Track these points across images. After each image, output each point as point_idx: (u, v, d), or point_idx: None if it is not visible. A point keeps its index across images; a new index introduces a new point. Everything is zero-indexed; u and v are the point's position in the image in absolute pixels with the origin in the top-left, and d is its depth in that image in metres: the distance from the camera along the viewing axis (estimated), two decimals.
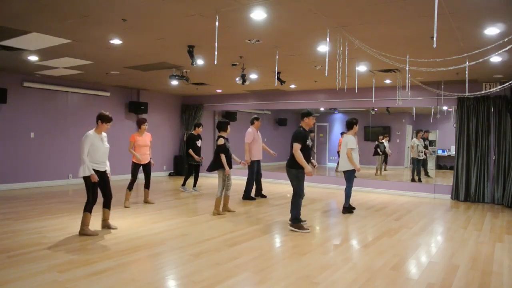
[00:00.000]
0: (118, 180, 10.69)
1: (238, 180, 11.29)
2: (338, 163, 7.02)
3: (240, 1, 3.97)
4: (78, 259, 4.01)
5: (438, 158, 11.60)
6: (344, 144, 6.73)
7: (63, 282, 3.40)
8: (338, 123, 14.36)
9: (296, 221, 5.48)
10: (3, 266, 3.76)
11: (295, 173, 5.47)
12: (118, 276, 3.57)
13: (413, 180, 9.89)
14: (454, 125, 8.75)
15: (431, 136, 11.71)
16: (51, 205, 6.87)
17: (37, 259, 3.99)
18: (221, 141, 6.31)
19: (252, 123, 8.10)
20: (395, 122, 12.31)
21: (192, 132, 8.87)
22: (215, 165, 6.35)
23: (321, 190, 9.48)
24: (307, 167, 5.41)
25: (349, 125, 6.79)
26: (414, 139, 10.17)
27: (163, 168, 12.26)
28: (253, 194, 8.15)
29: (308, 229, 5.44)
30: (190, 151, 8.57)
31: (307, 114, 5.60)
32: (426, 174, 10.50)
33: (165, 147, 12.11)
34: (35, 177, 9.09)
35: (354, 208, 6.94)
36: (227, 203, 6.61)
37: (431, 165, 11.24)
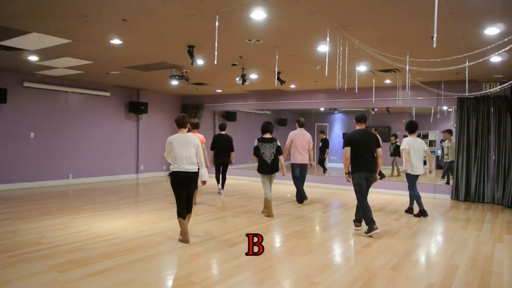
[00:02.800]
0: (119, 180, 10.70)
1: (239, 180, 11.31)
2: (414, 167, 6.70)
3: (240, 1, 3.97)
4: (78, 259, 4.02)
5: (438, 158, 11.59)
6: (422, 147, 6.68)
7: (63, 282, 3.40)
8: (338, 123, 14.35)
9: (372, 223, 5.29)
10: (3, 266, 3.76)
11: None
12: (118, 276, 3.57)
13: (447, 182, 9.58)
14: (454, 125, 8.74)
15: (431, 136, 11.71)
16: (51, 205, 6.87)
17: (37, 259, 3.99)
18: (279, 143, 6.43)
19: (304, 124, 7.79)
20: (395, 122, 12.31)
21: (225, 132, 8.49)
22: (277, 167, 6.40)
23: (322, 190, 9.49)
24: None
25: (416, 127, 6.75)
26: (446, 141, 9.75)
27: (163, 168, 12.26)
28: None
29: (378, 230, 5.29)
30: (233, 153, 8.42)
31: None
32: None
33: (164, 147, 12.09)
34: (35, 177, 9.09)
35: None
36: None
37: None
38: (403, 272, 3.91)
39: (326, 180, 10.44)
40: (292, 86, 9.94)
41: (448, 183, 9.45)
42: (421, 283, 3.57)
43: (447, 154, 9.63)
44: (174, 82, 8.35)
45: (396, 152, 11.09)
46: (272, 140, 6.39)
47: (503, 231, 5.69)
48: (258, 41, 5.49)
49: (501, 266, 4.12)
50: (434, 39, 3.40)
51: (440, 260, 4.29)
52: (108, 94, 10.53)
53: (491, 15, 4.14)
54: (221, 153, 8.31)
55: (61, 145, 9.58)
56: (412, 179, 6.72)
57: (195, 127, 6.77)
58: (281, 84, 7.98)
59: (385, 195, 8.96)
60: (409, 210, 6.92)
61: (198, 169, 4.87)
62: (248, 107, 12.23)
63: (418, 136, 10.31)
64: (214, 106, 12.49)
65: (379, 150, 5.46)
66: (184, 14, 4.41)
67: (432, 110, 10.06)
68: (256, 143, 6.41)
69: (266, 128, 6.45)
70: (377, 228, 5.20)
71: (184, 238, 4.73)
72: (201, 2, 4.04)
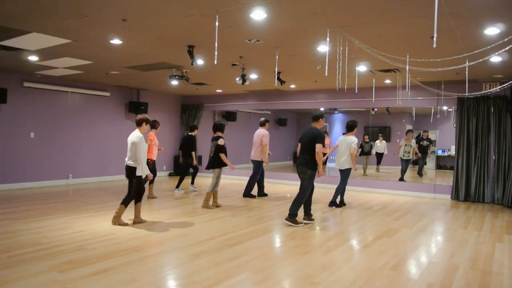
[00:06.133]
0: (119, 180, 10.70)
1: (238, 180, 11.31)
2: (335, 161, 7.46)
3: (240, 1, 3.97)
4: (78, 259, 4.01)
5: (438, 158, 11.60)
6: (347, 144, 7.16)
7: (63, 282, 3.40)
8: (338, 123, 14.35)
9: (293, 216, 5.72)
10: (3, 266, 3.76)
11: (311, 174, 5.71)
12: (118, 276, 3.57)
13: (400, 179, 10.01)
14: (454, 125, 8.75)
15: (431, 136, 11.70)
16: (51, 205, 6.87)
17: (37, 259, 3.99)
18: (222, 141, 6.79)
19: (264, 124, 8.29)
20: (395, 122, 12.31)
21: (192, 133, 8.92)
22: (215, 164, 6.79)
23: (321, 190, 9.48)
24: (321, 169, 5.73)
25: (352, 127, 7.26)
26: (403, 139, 10.26)
27: (163, 168, 12.26)
28: (254, 193, 8.33)
29: (301, 223, 5.78)
30: (193, 153, 8.74)
31: (322, 116, 5.95)
32: (419, 173, 10.54)
33: (165, 147, 12.08)
34: (35, 177, 9.09)
35: (345, 204, 7.49)
36: (217, 198, 7.09)
37: (431, 165, 11.24)
38: (403, 272, 3.91)
39: (325, 180, 10.43)
40: (292, 86, 9.94)
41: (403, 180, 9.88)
42: (421, 283, 3.57)
43: (408, 152, 9.99)
44: (174, 82, 8.35)
45: (365, 151, 11.45)
46: (216, 138, 6.89)
47: (503, 231, 5.69)
48: (258, 41, 5.49)
49: (501, 266, 4.12)
50: (434, 39, 3.40)
51: (440, 260, 4.29)
52: (108, 94, 10.53)
53: (491, 15, 4.14)
54: (184, 154, 8.74)
55: (61, 145, 9.58)
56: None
57: (152, 126, 7.51)
58: (281, 84, 7.98)
59: (385, 195, 8.96)
60: (340, 203, 7.39)
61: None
62: (248, 107, 12.24)
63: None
64: (214, 106, 12.49)
65: (317, 146, 5.63)
66: (184, 14, 4.41)
67: (432, 110, 10.07)
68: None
69: (215, 127, 7.01)
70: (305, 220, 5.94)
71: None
72: (201, 2, 4.04)
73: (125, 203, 5.49)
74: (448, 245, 4.94)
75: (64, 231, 5.13)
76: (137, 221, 5.61)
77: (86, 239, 4.75)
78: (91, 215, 6.11)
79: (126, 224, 5.49)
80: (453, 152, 9.96)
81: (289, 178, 10.80)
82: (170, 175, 12.37)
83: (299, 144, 5.99)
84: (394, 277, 3.73)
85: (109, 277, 3.53)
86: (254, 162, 8.18)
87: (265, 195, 8.41)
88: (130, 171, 5.40)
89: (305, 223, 5.84)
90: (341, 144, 7.28)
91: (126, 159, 5.45)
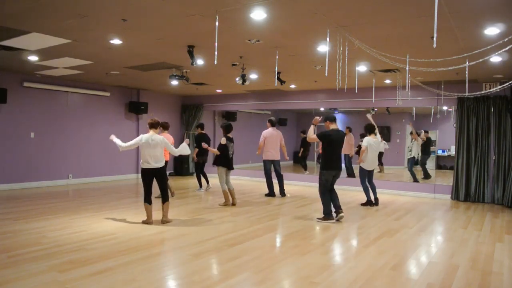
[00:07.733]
0: (119, 180, 10.70)
1: (239, 180, 11.30)
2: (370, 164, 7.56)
3: (240, 1, 3.97)
4: (78, 259, 4.02)
5: (438, 158, 11.60)
6: (377, 146, 7.46)
7: (63, 282, 3.40)
8: (338, 123, 14.33)
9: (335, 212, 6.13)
10: (3, 266, 3.76)
11: None
12: (118, 276, 3.57)
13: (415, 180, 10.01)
14: (454, 125, 8.75)
15: (431, 136, 11.72)
16: (51, 205, 6.87)
17: (37, 259, 3.99)
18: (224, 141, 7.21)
19: (275, 124, 8.53)
20: (395, 122, 12.31)
21: (203, 132, 8.92)
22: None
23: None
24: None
25: (373, 129, 7.50)
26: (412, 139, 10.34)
27: None
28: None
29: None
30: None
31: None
32: (426, 177, 10.51)
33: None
34: (35, 177, 9.09)
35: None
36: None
37: (431, 165, 11.24)
38: (403, 272, 3.91)
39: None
40: (292, 86, 9.94)
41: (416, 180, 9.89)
42: (421, 283, 3.57)
43: (410, 151, 10.15)
44: (174, 82, 8.35)
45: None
46: (233, 139, 7.25)
47: (503, 231, 5.69)
48: (258, 41, 5.49)
49: (501, 266, 4.12)
50: (434, 39, 3.40)
51: (440, 260, 4.29)
52: (108, 94, 10.53)
53: (491, 15, 4.14)
54: (202, 151, 8.65)
55: (61, 145, 9.58)
56: (365, 173, 7.54)
57: (165, 128, 7.66)
58: (281, 84, 7.98)
59: (385, 195, 8.96)
60: (368, 203, 7.50)
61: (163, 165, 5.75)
62: (248, 107, 12.24)
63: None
64: (214, 106, 12.49)
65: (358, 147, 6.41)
66: (184, 14, 4.41)
67: (432, 110, 10.07)
68: (224, 141, 7.10)
69: (232, 128, 7.29)
70: (333, 219, 6.05)
71: (147, 220, 5.61)
72: (201, 2, 4.04)
73: (166, 200, 5.70)
74: (448, 245, 4.94)
75: (64, 231, 5.13)
76: (147, 222, 5.66)
77: (86, 239, 4.75)
78: (91, 215, 6.11)
79: (171, 221, 5.74)
80: (453, 152, 9.96)
81: (289, 178, 10.78)
82: (170, 175, 12.35)
83: (330, 146, 6.15)
84: (394, 277, 3.73)
85: (109, 277, 3.54)
86: (276, 161, 8.35)
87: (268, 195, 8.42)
88: (161, 171, 5.67)
89: (317, 220, 6.13)
90: (374, 147, 7.40)
91: (153, 162, 5.63)
